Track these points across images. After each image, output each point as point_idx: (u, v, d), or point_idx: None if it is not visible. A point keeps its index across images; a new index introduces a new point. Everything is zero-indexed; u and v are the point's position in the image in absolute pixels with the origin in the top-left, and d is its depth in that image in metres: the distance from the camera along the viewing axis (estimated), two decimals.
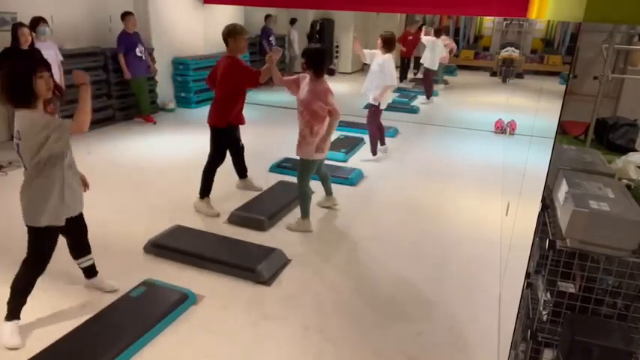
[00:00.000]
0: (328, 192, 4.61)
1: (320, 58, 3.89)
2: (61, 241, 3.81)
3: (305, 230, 4.12)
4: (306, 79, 3.98)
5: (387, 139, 6.43)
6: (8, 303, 2.71)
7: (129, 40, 6.95)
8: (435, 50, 10.01)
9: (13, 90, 2.52)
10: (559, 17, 3.24)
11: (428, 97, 10.18)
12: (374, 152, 6.15)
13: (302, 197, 4.12)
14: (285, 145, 6.62)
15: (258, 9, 11.16)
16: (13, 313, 2.71)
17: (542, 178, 2.19)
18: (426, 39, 10.30)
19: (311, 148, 3.90)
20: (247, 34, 4.35)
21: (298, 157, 4.05)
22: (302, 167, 4.03)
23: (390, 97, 6.11)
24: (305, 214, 4.13)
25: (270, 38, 11.22)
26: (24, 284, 2.73)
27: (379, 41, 5.71)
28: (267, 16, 11.21)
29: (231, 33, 4.19)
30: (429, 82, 10.19)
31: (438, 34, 10.31)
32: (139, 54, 7.04)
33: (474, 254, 3.88)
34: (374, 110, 5.95)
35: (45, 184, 2.68)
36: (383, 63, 5.67)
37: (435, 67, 10.11)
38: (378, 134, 6.16)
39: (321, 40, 13.21)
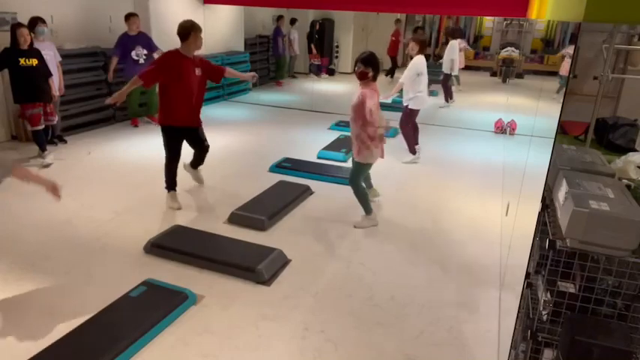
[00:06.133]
0: (369, 185, 4.74)
1: (377, 63, 4.07)
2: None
3: (373, 225, 4.29)
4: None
5: (386, 139, 6.43)
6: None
7: (127, 43, 6.87)
8: (453, 54, 9.74)
9: None
10: (559, 17, 3.24)
11: (446, 101, 10.08)
12: (412, 151, 6.21)
13: (361, 197, 4.26)
14: (285, 145, 6.64)
15: (258, 9, 11.17)
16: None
17: (542, 178, 2.19)
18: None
19: (369, 152, 4.06)
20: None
21: (357, 161, 4.15)
22: (359, 170, 4.20)
23: (424, 99, 6.07)
24: (368, 210, 4.29)
25: (283, 38, 11.33)
26: None
27: (413, 44, 5.81)
28: (279, 17, 11.32)
29: (195, 28, 4.16)
30: (446, 86, 10.04)
31: (454, 35, 10.04)
32: (134, 57, 6.89)
33: (474, 254, 3.88)
34: (407, 112, 6.08)
35: None
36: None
37: (454, 72, 9.89)
38: (412, 133, 6.22)
39: (321, 40, 13.22)
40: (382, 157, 4.18)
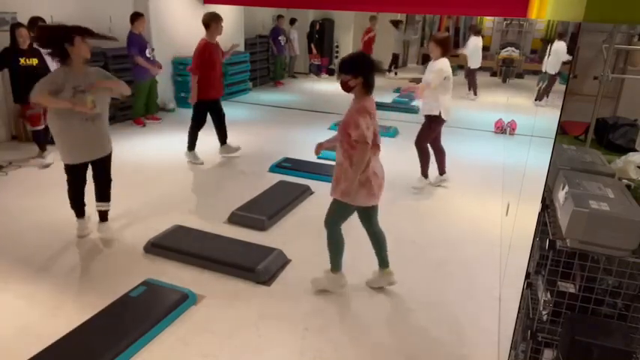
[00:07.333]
0: (383, 262, 3.37)
1: (366, 66, 2.96)
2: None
3: (337, 288, 3.25)
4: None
5: (386, 139, 6.39)
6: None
7: (139, 42, 6.98)
8: (476, 50, 10.55)
9: None
10: (559, 17, 3.25)
11: (475, 94, 10.95)
12: (424, 173, 5.27)
13: (332, 244, 3.19)
14: (285, 145, 6.63)
15: (258, 9, 11.16)
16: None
17: (542, 178, 2.19)
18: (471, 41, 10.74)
19: (352, 189, 2.94)
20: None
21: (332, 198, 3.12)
22: (337, 210, 3.11)
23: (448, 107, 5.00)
24: (336, 266, 3.24)
25: (280, 38, 11.28)
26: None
27: (432, 45, 4.87)
28: (279, 17, 11.32)
29: (214, 19, 5.36)
30: (473, 80, 10.86)
31: (477, 33, 10.83)
32: (147, 55, 7.04)
33: (474, 254, 3.88)
34: (432, 123, 5.03)
35: None
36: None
37: (477, 66, 10.66)
38: (428, 154, 5.22)
39: (321, 40, 13.21)
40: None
